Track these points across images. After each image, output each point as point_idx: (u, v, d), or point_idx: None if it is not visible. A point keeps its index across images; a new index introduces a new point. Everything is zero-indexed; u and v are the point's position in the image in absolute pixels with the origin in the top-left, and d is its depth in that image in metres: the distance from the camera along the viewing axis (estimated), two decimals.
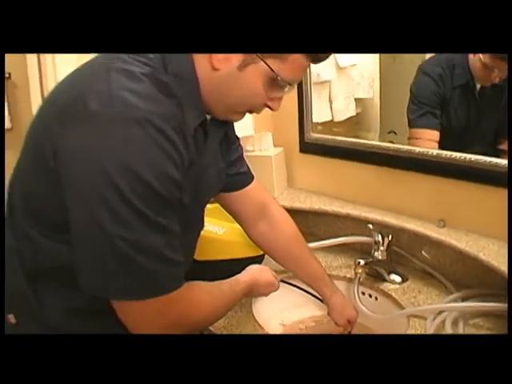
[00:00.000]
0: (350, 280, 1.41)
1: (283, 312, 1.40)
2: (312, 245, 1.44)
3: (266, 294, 1.16)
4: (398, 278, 1.37)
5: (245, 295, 1.04)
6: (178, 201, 0.78)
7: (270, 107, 0.87)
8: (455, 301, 1.21)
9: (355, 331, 1.27)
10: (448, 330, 1.08)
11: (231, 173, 1.09)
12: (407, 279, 1.37)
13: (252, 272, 1.09)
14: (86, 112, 0.71)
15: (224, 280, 0.99)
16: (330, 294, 1.22)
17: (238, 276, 1.04)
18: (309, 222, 1.69)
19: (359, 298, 1.32)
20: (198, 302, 0.86)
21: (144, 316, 0.78)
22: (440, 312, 1.15)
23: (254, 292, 1.09)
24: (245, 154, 1.62)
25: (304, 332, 1.35)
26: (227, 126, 1.00)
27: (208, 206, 1.22)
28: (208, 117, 0.89)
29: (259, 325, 1.20)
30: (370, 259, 1.36)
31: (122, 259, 0.72)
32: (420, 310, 1.20)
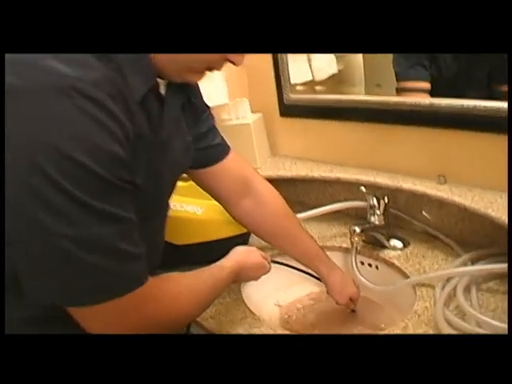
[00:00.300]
0: (347, 250, 1.29)
1: (277, 292, 1.29)
2: (302, 215, 1.32)
3: (257, 278, 1.04)
4: (398, 244, 1.25)
5: (232, 281, 0.93)
6: (127, 182, 0.65)
7: (232, 62, 0.73)
8: (464, 264, 1.09)
9: (358, 306, 1.17)
10: (460, 297, 0.96)
11: (202, 146, 0.96)
12: (409, 244, 1.25)
13: (237, 254, 0.98)
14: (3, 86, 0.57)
15: (205, 267, 0.88)
16: (328, 271, 1.11)
17: (221, 261, 0.94)
18: (297, 191, 1.57)
19: (358, 268, 1.20)
20: (175, 297, 0.75)
21: (107, 320, 0.66)
22: (449, 278, 1.04)
23: (241, 276, 0.98)
24: (221, 123, 1.51)
25: (302, 311, 1.24)
26: (190, 92, 0.86)
27: (181, 183, 1.10)
28: (163, 82, 0.75)
29: (250, 311, 1.08)
30: (367, 225, 1.23)
31: (65, 258, 0.60)
32: (427, 277, 1.08)
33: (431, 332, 0.92)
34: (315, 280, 1.18)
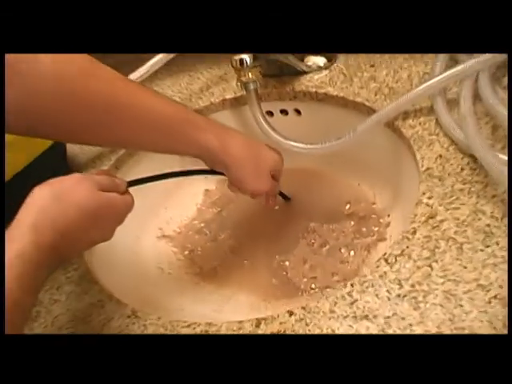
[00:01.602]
0: (237, 101, 0.76)
1: (155, 214, 0.75)
2: (140, 72, 0.74)
3: (108, 235, 0.48)
4: (320, 60, 0.73)
5: (46, 274, 0.43)
6: None
7: None
8: (446, 64, 0.60)
9: (293, 189, 0.67)
10: (488, 99, 0.49)
11: None
12: (336, 55, 0.73)
13: (36, 211, 0.43)
14: None
15: None
16: (220, 146, 0.55)
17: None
18: None
19: (268, 124, 0.66)
20: None
21: None
22: (443, 91, 0.56)
23: (67, 253, 0.45)
24: None
25: (207, 232, 0.72)
26: None
27: None
28: None
29: (110, 296, 0.53)
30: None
31: None
32: (402, 103, 0.54)
33: (488, 206, 0.44)
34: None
